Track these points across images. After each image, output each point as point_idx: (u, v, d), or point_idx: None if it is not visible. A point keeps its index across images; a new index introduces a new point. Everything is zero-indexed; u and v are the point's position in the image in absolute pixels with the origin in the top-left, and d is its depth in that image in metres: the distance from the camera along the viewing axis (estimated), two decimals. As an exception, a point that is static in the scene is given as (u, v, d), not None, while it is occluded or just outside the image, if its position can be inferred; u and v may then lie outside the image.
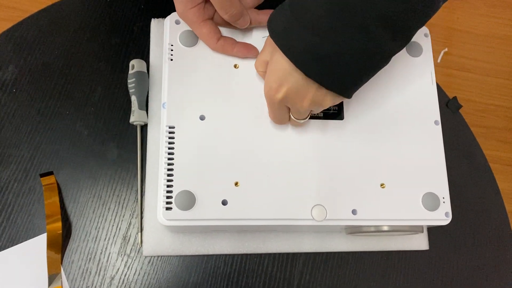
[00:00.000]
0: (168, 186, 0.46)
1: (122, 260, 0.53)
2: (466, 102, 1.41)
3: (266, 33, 0.52)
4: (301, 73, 0.39)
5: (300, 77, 0.40)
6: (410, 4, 0.35)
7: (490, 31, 1.55)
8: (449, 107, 0.64)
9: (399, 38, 0.38)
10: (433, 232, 0.58)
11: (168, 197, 0.46)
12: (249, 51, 0.51)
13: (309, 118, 0.50)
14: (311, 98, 0.41)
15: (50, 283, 0.51)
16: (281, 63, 0.40)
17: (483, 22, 1.55)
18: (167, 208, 0.45)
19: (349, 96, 0.42)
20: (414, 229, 0.50)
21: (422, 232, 0.51)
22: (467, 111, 1.39)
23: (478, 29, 1.54)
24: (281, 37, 0.39)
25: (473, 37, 1.53)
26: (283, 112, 0.46)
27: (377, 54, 0.38)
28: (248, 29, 0.52)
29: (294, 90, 0.41)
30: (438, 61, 1.46)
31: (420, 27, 0.39)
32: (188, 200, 0.45)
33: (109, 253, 0.53)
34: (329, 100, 0.42)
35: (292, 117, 0.47)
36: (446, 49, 1.49)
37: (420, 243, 0.57)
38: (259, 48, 0.51)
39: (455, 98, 0.65)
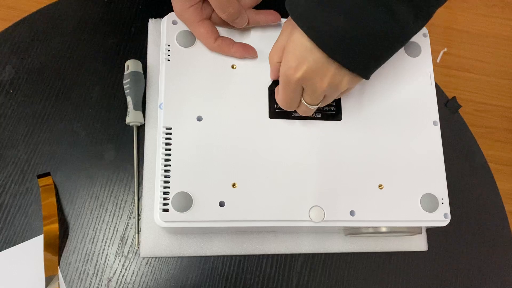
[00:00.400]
0: (165, 187, 0.46)
1: (119, 262, 0.53)
2: (465, 102, 1.41)
3: (264, 33, 0.52)
4: (322, 52, 0.39)
5: (321, 56, 0.39)
6: None
7: (490, 31, 1.54)
8: (448, 107, 0.64)
9: (421, 18, 0.39)
10: (432, 233, 0.58)
11: (165, 199, 0.45)
12: (247, 51, 0.50)
13: (308, 120, 0.50)
14: (330, 78, 0.41)
15: (47, 285, 0.50)
16: (301, 42, 0.40)
17: (483, 22, 1.55)
18: (164, 210, 0.45)
19: (367, 77, 0.42)
20: (413, 230, 0.50)
21: (421, 233, 0.51)
22: (466, 111, 1.39)
23: (478, 29, 1.53)
24: (303, 17, 0.39)
25: (472, 37, 1.52)
26: (297, 94, 0.44)
27: (399, 34, 0.39)
28: (246, 29, 0.52)
29: (314, 69, 0.40)
30: (438, 61, 1.45)
31: (440, 6, 0.40)
32: (185, 202, 0.45)
33: (107, 254, 0.53)
34: (347, 81, 0.42)
35: (303, 102, 0.45)
36: (445, 49, 1.48)
37: (419, 244, 0.57)
38: (257, 48, 0.51)
39: (454, 98, 0.65)
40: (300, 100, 0.46)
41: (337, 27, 0.37)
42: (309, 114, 0.48)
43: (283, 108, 0.48)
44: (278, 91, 0.47)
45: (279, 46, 0.45)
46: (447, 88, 1.39)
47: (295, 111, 0.49)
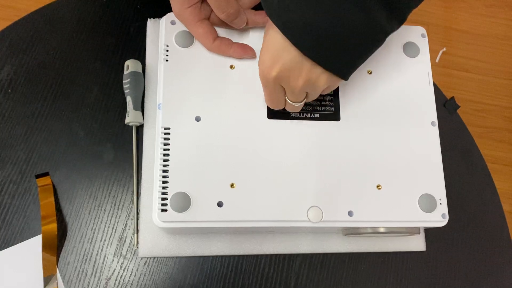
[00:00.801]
0: (163, 187, 0.46)
1: (118, 262, 0.53)
2: (463, 102, 1.41)
3: (263, 34, 0.52)
4: (296, 49, 0.38)
5: (295, 53, 0.39)
6: None
7: (489, 30, 1.55)
8: (446, 108, 0.64)
9: (395, 17, 0.38)
10: (431, 233, 0.58)
11: (163, 199, 0.45)
12: (245, 52, 0.50)
13: (306, 120, 0.50)
14: (305, 76, 0.40)
15: (45, 285, 0.50)
16: (276, 39, 0.39)
17: (482, 21, 1.55)
18: (162, 210, 0.45)
19: (344, 77, 0.41)
20: (411, 231, 0.50)
21: (419, 233, 0.51)
22: (465, 111, 1.39)
23: (477, 29, 1.54)
24: (276, 13, 0.38)
25: (471, 37, 1.53)
26: (278, 93, 0.44)
27: (373, 33, 0.38)
28: (244, 30, 0.52)
29: (288, 67, 0.40)
30: (437, 61, 1.45)
31: (414, 8, 0.39)
32: (184, 202, 0.45)
33: (105, 254, 0.53)
34: (324, 80, 0.41)
35: (288, 100, 0.45)
36: (444, 49, 1.48)
37: (417, 244, 0.57)
38: (256, 49, 0.51)
39: (452, 98, 0.65)
40: (285, 99, 0.46)
41: (311, 23, 0.37)
42: (297, 111, 0.48)
43: (271, 108, 0.48)
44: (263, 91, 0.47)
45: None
46: (445, 88, 1.39)
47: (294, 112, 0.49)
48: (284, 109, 0.48)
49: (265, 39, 0.42)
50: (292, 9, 0.37)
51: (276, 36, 0.39)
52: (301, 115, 0.50)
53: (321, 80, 0.41)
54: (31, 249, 0.52)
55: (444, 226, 0.50)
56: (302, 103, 0.46)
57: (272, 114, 0.50)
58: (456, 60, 1.49)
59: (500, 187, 0.63)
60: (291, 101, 0.45)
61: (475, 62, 1.50)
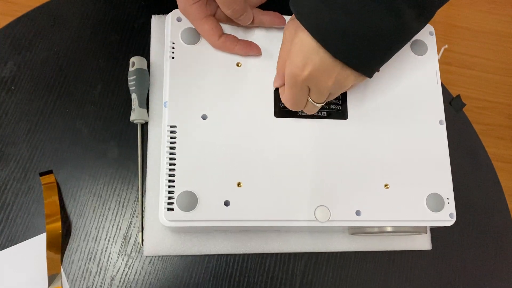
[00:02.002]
0: (169, 186, 0.45)
1: (122, 260, 0.52)
2: (466, 99, 1.40)
3: (269, 31, 0.51)
4: (327, 52, 0.39)
5: (326, 55, 0.39)
6: None
7: (491, 27, 1.54)
8: (452, 106, 0.64)
9: (423, 17, 0.39)
10: (436, 231, 0.58)
11: (169, 198, 0.45)
12: (251, 49, 0.50)
13: (314, 118, 0.50)
14: (336, 77, 0.41)
15: (50, 283, 0.50)
16: (307, 42, 0.39)
17: (484, 18, 1.54)
18: (169, 209, 0.45)
19: (370, 75, 0.42)
20: (418, 230, 0.50)
21: (426, 232, 0.51)
22: (467, 108, 1.39)
23: (479, 26, 1.53)
24: (308, 17, 0.38)
25: (473, 34, 1.52)
26: (303, 93, 0.44)
27: (402, 33, 0.39)
28: (250, 28, 0.51)
29: (320, 68, 0.40)
30: (438, 57, 1.45)
31: (442, 5, 0.40)
32: (190, 201, 0.45)
33: (110, 253, 0.52)
34: (352, 79, 0.42)
35: (310, 100, 0.45)
36: (446, 46, 1.48)
37: (423, 243, 0.57)
38: (262, 46, 0.50)
39: (458, 96, 0.64)
40: (307, 99, 0.45)
41: (342, 26, 0.37)
42: (315, 112, 0.48)
43: (290, 108, 0.47)
44: (284, 92, 0.46)
45: (286, 50, 0.44)
46: (447, 85, 1.38)
47: (301, 110, 0.49)
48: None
49: (294, 43, 0.41)
50: (323, 12, 0.37)
51: (306, 39, 0.39)
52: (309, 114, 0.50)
53: (349, 80, 0.42)
54: (35, 247, 0.51)
55: (450, 225, 0.50)
56: (322, 104, 0.46)
57: (279, 112, 0.49)
58: (457, 57, 1.49)
59: (503, 185, 0.62)
60: (314, 102, 0.45)
61: (477, 59, 1.49)
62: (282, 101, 0.48)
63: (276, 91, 0.50)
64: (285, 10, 0.53)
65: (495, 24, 1.54)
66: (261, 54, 0.51)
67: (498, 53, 1.51)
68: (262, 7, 0.52)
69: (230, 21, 0.50)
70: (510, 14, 1.56)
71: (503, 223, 0.61)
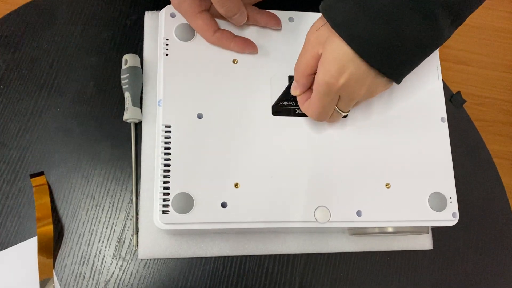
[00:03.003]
0: (164, 188, 0.44)
1: (117, 264, 0.51)
2: (463, 96, 1.40)
3: (266, 30, 0.50)
4: (363, 60, 0.39)
5: (361, 63, 0.39)
6: None
7: (487, 23, 1.53)
8: (452, 102, 0.63)
9: (455, 25, 0.39)
10: (438, 231, 0.57)
11: (165, 200, 0.44)
12: (247, 46, 0.49)
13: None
14: (368, 85, 0.41)
15: (42, 288, 0.49)
16: (342, 50, 0.39)
17: (481, 14, 1.53)
18: (164, 212, 0.43)
19: (399, 81, 0.42)
20: (420, 230, 0.49)
21: (428, 232, 0.50)
22: (465, 105, 1.38)
23: (476, 22, 1.52)
24: (344, 26, 0.38)
25: (470, 30, 1.51)
26: (334, 102, 0.44)
27: (436, 41, 0.39)
28: (246, 25, 0.50)
29: (355, 77, 0.40)
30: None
31: (468, 16, 0.40)
32: (186, 203, 0.44)
33: (103, 256, 0.51)
34: (382, 87, 0.43)
35: (337, 109, 0.45)
36: (443, 42, 1.47)
37: (425, 242, 0.56)
38: (257, 43, 0.49)
39: (459, 93, 0.63)
40: (334, 108, 0.45)
41: (378, 35, 0.37)
42: (337, 121, 0.48)
43: (314, 119, 0.46)
44: (305, 100, 0.45)
45: (311, 57, 0.42)
46: (445, 81, 1.38)
47: (298, 108, 0.47)
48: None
49: (327, 52, 0.40)
50: (359, 21, 0.37)
51: (342, 47, 0.39)
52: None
53: (380, 87, 0.42)
54: (26, 251, 0.50)
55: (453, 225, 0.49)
56: (348, 112, 0.46)
57: (277, 110, 0.48)
58: (454, 53, 1.48)
59: (502, 181, 0.61)
60: (341, 111, 0.45)
61: (474, 55, 1.48)
62: (303, 110, 0.46)
63: (274, 89, 0.49)
64: (282, 6, 0.52)
65: (493, 20, 1.53)
66: (257, 52, 0.49)
67: (495, 48, 1.51)
68: (260, 5, 0.50)
69: (224, 17, 0.49)
70: (508, 9, 1.56)
71: (505, 222, 0.60)
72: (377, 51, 0.38)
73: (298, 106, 0.47)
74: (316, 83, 0.42)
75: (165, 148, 0.45)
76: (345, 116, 0.49)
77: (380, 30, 0.37)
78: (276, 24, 0.50)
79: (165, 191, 0.44)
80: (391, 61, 0.39)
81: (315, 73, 0.43)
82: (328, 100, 0.43)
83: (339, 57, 0.40)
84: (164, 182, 0.44)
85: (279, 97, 0.48)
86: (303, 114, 0.48)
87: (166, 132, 0.45)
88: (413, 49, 0.39)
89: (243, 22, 0.48)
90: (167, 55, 0.48)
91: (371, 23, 0.37)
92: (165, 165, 0.44)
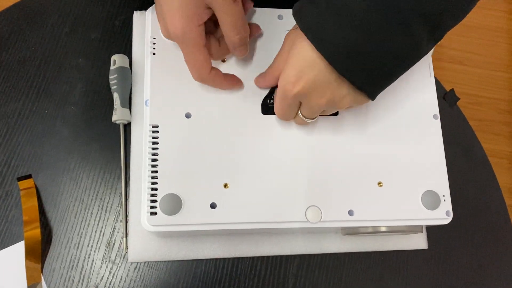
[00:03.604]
0: (152, 189, 0.43)
1: (106, 267, 0.50)
2: (458, 95, 1.40)
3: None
4: (326, 67, 0.37)
5: (324, 71, 0.37)
6: (450, 3, 0.35)
7: (481, 22, 1.53)
8: (446, 100, 0.62)
9: (434, 38, 0.37)
10: (432, 230, 0.56)
11: (152, 201, 0.43)
12: (237, 83, 0.47)
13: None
14: (330, 95, 0.39)
15: (29, 293, 0.48)
16: (305, 55, 0.38)
17: (475, 13, 1.53)
18: (152, 213, 0.42)
19: (373, 97, 0.40)
20: (414, 229, 0.48)
21: (422, 231, 0.49)
22: (459, 104, 1.38)
23: (470, 21, 1.52)
24: (313, 29, 0.36)
25: (464, 29, 1.51)
26: (293, 107, 0.42)
27: (412, 53, 0.37)
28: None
29: (314, 85, 0.38)
30: (431, 52, 1.44)
31: (450, 30, 0.38)
32: (174, 204, 0.43)
33: (93, 260, 0.50)
34: (349, 100, 0.40)
35: (300, 115, 0.43)
36: (438, 41, 1.47)
37: (419, 242, 0.55)
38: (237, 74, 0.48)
39: (452, 90, 0.63)
40: (297, 112, 0.44)
41: (350, 42, 0.35)
42: (305, 125, 0.47)
43: (280, 118, 0.46)
44: (274, 102, 0.44)
45: (282, 59, 0.42)
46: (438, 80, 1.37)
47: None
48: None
49: (292, 53, 0.39)
50: (331, 26, 0.35)
51: (306, 51, 0.38)
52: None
53: (345, 101, 0.40)
54: (13, 256, 0.49)
55: (446, 223, 0.48)
56: (313, 120, 0.44)
57: (267, 109, 0.47)
58: (449, 53, 1.48)
59: (499, 181, 0.61)
60: (304, 117, 0.43)
61: (468, 55, 1.48)
62: (274, 109, 0.46)
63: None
64: (271, 4, 0.51)
65: (486, 19, 1.53)
66: (243, 87, 0.48)
67: (490, 48, 1.51)
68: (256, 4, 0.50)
69: (220, 53, 0.47)
70: (501, 8, 1.56)
71: (500, 220, 0.59)
72: (347, 59, 0.36)
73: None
74: (278, 86, 0.41)
75: (153, 149, 0.44)
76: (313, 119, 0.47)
77: (352, 37, 0.35)
78: (257, 31, 0.49)
79: (153, 192, 0.43)
80: (361, 71, 0.37)
81: None
82: (286, 105, 0.42)
83: (300, 61, 0.38)
84: (152, 183, 0.43)
85: (267, 94, 0.48)
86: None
87: (153, 132, 0.45)
88: (386, 61, 0.36)
89: (245, 55, 0.46)
90: (154, 54, 0.47)
91: (343, 28, 0.35)
92: (152, 166, 0.44)
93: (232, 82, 0.47)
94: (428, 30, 0.36)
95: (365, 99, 0.40)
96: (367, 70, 0.37)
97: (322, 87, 0.39)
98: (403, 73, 0.39)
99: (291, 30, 0.42)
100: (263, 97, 0.48)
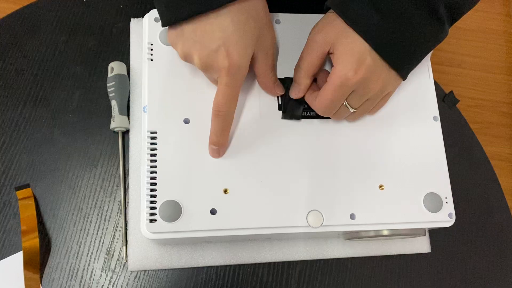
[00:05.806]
0: (151, 196, 0.43)
1: (106, 276, 0.49)
2: (458, 98, 1.40)
3: None
4: (377, 54, 0.41)
5: (377, 58, 0.41)
6: None
7: (480, 25, 1.53)
8: (445, 102, 0.62)
9: (450, 23, 0.43)
10: (435, 233, 0.56)
11: (151, 208, 0.42)
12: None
13: (303, 119, 0.47)
14: (383, 79, 0.42)
15: (28, 304, 0.47)
16: (359, 45, 0.41)
17: (473, 16, 1.54)
18: (151, 220, 0.42)
19: (405, 77, 0.44)
20: (416, 232, 0.48)
21: (424, 235, 0.49)
22: (459, 107, 1.38)
23: (468, 24, 1.52)
24: (358, 21, 0.40)
25: (463, 32, 1.51)
26: (344, 96, 0.43)
27: (438, 35, 0.42)
28: None
29: (372, 70, 0.41)
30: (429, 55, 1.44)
31: (467, 12, 0.43)
32: (174, 211, 0.42)
33: (92, 269, 0.50)
34: (393, 83, 0.44)
35: (346, 104, 0.44)
36: (436, 45, 1.47)
37: (422, 246, 0.54)
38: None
39: (451, 92, 0.62)
40: (343, 103, 0.44)
41: (389, 30, 0.40)
42: (342, 118, 0.47)
43: (319, 113, 0.45)
44: (320, 94, 0.43)
45: (316, 57, 0.43)
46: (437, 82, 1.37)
47: (290, 109, 0.46)
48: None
49: (344, 44, 0.41)
50: (373, 18, 0.40)
51: (357, 41, 0.41)
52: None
53: (391, 83, 0.43)
54: (12, 266, 0.48)
55: (449, 226, 0.48)
56: (356, 110, 0.45)
57: (266, 113, 0.47)
58: (447, 56, 1.48)
59: (500, 183, 0.60)
60: (351, 107, 0.44)
61: (467, 58, 1.48)
62: (308, 103, 0.46)
63: (262, 92, 0.48)
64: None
65: (483, 22, 1.54)
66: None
67: (489, 50, 1.51)
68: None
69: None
70: (498, 11, 1.56)
71: (503, 222, 0.59)
72: (389, 44, 0.40)
73: (287, 109, 0.46)
74: (333, 76, 0.42)
75: (151, 155, 0.44)
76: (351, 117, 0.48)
77: (390, 25, 0.40)
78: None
79: (152, 199, 0.43)
80: (401, 56, 0.41)
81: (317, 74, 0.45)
82: (341, 93, 0.43)
83: (355, 49, 0.41)
84: (151, 190, 0.43)
85: (283, 98, 0.47)
86: (292, 118, 0.47)
87: (152, 138, 0.44)
88: (419, 44, 0.41)
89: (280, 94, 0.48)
90: (151, 60, 0.47)
91: (383, 19, 0.39)
92: (151, 172, 0.43)
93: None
94: (450, 16, 0.41)
95: (399, 81, 0.44)
96: (404, 54, 0.42)
97: (379, 71, 0.42)
98: (426, 55, 0.44)
99: (315, 30, 0.44)
100: (262, 103, 0.47)
